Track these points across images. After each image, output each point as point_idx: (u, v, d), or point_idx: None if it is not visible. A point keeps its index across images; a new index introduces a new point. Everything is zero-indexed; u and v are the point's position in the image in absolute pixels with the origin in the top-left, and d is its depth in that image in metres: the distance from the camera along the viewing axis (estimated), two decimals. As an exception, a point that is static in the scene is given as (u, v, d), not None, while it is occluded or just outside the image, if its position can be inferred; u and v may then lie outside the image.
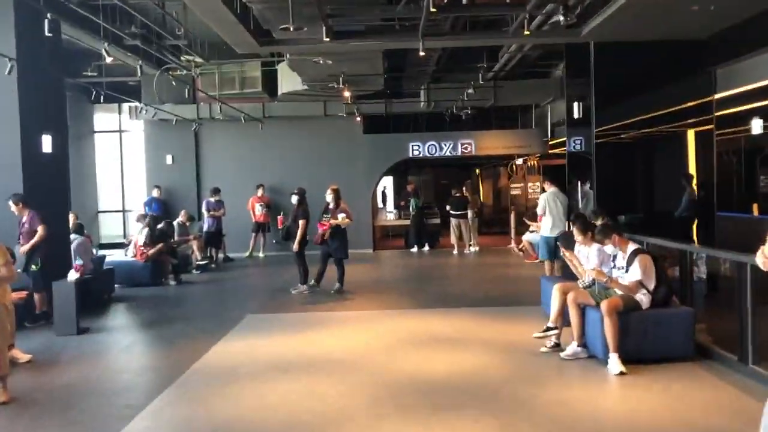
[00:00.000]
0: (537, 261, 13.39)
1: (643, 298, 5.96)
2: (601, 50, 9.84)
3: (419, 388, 5.55)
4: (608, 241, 6.15)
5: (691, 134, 11.91)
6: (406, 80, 16.02)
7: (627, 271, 6.03)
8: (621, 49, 9.43)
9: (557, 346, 6.46)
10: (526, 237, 14.08)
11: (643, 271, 5.93)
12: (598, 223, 7.12)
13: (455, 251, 15.77)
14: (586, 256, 6.71)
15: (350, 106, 15.72)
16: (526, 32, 7.18)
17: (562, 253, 6.91)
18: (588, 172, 10.46)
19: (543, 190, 10.17)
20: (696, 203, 11.23)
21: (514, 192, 19.39)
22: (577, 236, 6.74)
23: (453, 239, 15.92)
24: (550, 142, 16.59)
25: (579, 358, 6.17)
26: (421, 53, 8.30)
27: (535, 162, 18.69)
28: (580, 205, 10.79)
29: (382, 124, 17.68)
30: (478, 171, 25.08)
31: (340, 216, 9.95)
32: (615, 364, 5.70)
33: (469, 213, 16.02)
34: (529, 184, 18.51)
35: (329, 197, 10.11)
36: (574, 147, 11.13)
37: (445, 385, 5.65)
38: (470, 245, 16.07)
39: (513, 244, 16.46)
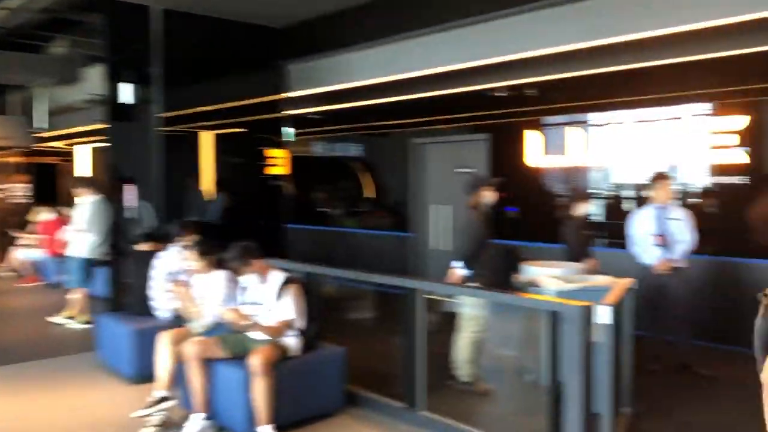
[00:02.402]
0: (38, 284, 10.50)
1: (292, 341, 4.46)
2: (169, 20, 7.79)
3: None
4: (249, 268, 4.42)
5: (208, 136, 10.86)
6: None
7: (271, 307, 4.43)
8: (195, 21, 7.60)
9: (166, 421, 4.42)
10: (22, 254, 10.98)
11: (296, 306, 4.45)
12: (188, 240, 5.33)
13: None
14: (204, 289, 4.82)
15: None
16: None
17: (173, 287, 4.84)
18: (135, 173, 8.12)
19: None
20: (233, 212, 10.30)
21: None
22: (194, 261, 4.79)
23: None
24: (45, 135, 13.36)
25: (206, 436, 4.30)
26: None
27: (21, 158, 14.95)
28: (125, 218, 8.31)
29: None
30: None
31: None
32: (274, 441, 4.06)
33: None
34: (10, 185, 14.71)
35: None
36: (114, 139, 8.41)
37: None
38: None
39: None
